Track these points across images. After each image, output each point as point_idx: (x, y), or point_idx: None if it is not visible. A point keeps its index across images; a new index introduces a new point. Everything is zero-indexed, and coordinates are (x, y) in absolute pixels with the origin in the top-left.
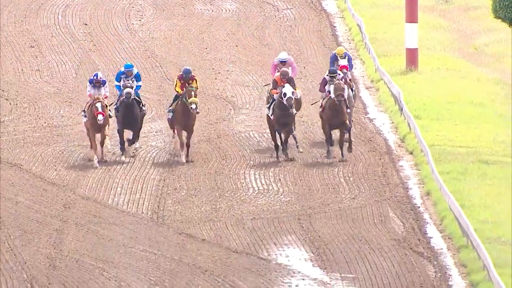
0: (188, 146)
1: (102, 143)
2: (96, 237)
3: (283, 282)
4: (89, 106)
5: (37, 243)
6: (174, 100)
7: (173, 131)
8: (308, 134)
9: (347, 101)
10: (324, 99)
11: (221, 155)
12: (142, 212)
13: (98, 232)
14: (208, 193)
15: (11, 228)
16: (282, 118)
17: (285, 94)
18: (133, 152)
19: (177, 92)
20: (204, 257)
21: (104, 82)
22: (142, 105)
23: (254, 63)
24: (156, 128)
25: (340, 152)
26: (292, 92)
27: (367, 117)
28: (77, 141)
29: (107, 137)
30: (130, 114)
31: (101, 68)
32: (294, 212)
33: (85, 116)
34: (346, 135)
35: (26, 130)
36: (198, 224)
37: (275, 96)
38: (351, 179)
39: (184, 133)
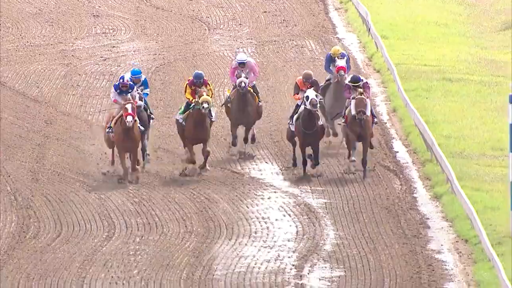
0: (207, 155)
1: (133, 166)
2: (76, 152)
3: (255, 194)
4: (116, 120)
5: (20, 157)
6: (185, 109)
7: (184, 144)
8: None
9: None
10: (347, 108)
11: None
12: None
13: (79, 147)
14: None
15: None
16: (308, 131)
17: (307, 97)
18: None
19: (188, 99)
20: (180, 171)
21: (132, 86)
22: (150, 112)
23: None
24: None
25: (363, 171)
26: (316, 95)
27: (336, 37)
28: (58, 60)
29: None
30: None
31: None
32: (266, 129)
33: (111, 132)
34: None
35: (9, 49)
36: (175, 139)
37: (299, 102)
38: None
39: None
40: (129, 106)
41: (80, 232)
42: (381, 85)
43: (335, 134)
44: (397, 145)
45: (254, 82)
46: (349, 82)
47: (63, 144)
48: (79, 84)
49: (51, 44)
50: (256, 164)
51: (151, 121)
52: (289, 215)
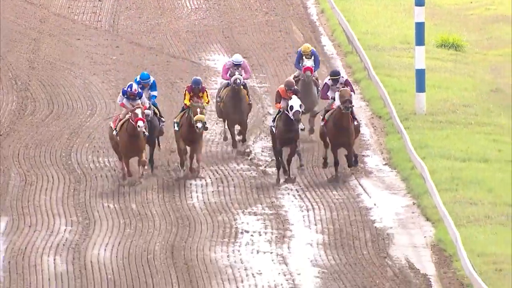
0: (197, 160)
1: (142, 163)
2: (65, 46)
3: (211, 81)
4: (123, 122)
5: (19, 49)
6: (181, 112)
7: (179, 152)
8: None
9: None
10: (327, 111)
11: None
12: (102, 26)
13: (68, 41)
14: (152, 11)
15: None
16: (286, 133)
17: (292, 107)
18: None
19: (185, 104)
20: (149, 60)
21: (140, 95)
22: (160, 116)
23: None
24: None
25: (347, 161)
26: (300, 105)
27: None
28: None
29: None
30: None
31: None
32: (219, 26)
33: (117, 135)
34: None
35: None
36: (145, 35)
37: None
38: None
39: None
40: (139, 111)
41: (68, 110)
42: None
43: (311, 131)
44: (325, 40)
45: (245, 81)
46: (329, 76)
47: (54, 38)
48: None
49: None
50: (211, 56)
51: (162, 126)
52: None
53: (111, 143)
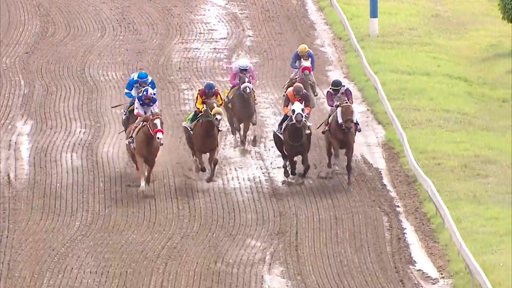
0: (215, 163)
1: (148, 178)
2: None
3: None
4: (138, 130)
5: None
6: (193, 117)
7: (192, 153)
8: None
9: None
10: (330, 115)
11: None
12: None
13: None
14: None
15: None
16: (294, 143)
17: (293, 111)
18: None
19: (198, 108)
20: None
21: (155, 100)
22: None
23: None
24: None
25: (347, 177)
26: (302, 109)
27: None
28: None
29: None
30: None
31: None
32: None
33: (132, 142)
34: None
35: None
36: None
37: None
38: None
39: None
40: (158, 122)
41: (82, 32)
42: None
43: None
44: None
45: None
46: (330, 87)
47: None
48: None
49: None
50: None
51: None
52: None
53: (127, 150)
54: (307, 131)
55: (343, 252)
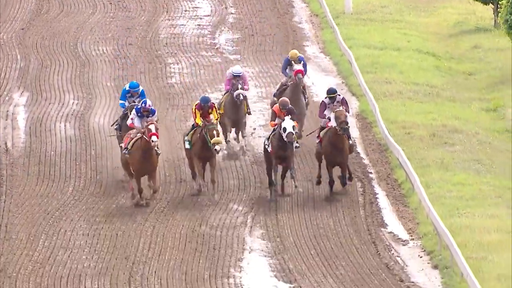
0: (213, 182)
1: (155, 187)
2: None
3: None
4: (135, 141)
5: None
6: (192, 129)
7: (190, 165)
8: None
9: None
10: (322, 129)
11: None
12: None
13: None
14: None
15: None
16: (280, 151)
17: (285, 129)
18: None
19: (197, 124)
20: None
21: (153, 112)
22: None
23: None
24: None
25: (341, 181)
26: (293, 127)
27: None
28: None
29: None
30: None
31: None
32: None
33: (128, 153)
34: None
35: None
36: None
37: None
38: None
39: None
40: (152, 127)
41: (74, 9)
42: None
43: (299, 137)
44: None
45: (245, 93)
46: (325, 95)
47: None
48: None
49: None
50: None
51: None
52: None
53: (122, 162)
54: (296, 145)
55: (319, 216)
